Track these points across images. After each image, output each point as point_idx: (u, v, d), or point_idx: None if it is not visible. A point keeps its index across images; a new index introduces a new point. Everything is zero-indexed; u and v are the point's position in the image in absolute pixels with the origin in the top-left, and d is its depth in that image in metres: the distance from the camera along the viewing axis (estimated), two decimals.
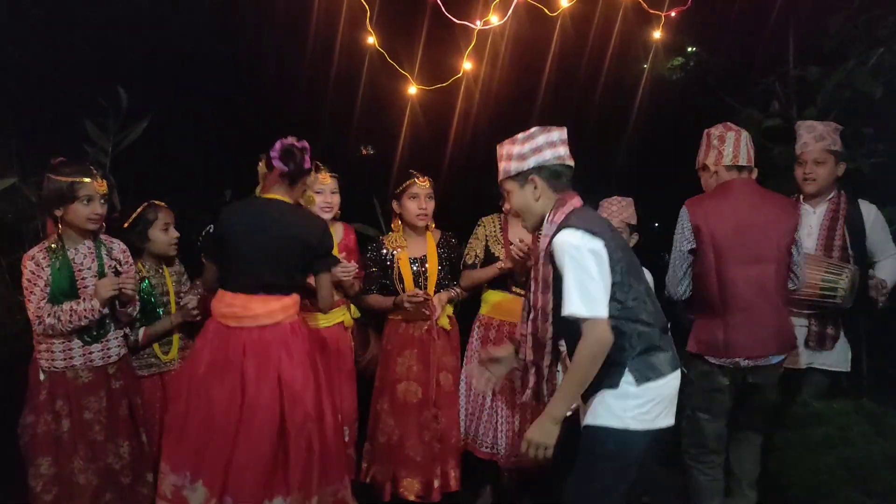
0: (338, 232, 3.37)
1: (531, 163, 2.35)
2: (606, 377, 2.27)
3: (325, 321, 3.28)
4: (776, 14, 4.04)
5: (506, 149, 2.41)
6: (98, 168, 3.62)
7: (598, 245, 2.21)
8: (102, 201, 2.78)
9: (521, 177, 2.38)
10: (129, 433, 2.92)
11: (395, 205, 3.36)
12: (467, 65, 3.54)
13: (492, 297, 3.39)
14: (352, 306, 3.44)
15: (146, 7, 3.81)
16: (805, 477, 2.86)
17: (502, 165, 2.42)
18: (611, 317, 2.21)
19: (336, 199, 3.29)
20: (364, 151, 5.31)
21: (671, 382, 2.33)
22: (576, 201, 2.37)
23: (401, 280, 3.31)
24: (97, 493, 2.82)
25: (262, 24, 3.95)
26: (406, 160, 3.84)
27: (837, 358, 3.27)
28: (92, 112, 3.70)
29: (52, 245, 2.77)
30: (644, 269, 2.53)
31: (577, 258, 2.20)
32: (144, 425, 2.99)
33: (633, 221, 3.36)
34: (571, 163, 2.40)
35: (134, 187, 3.71)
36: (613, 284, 2.23)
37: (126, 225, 3.03)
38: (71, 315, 2.70)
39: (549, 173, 2.36)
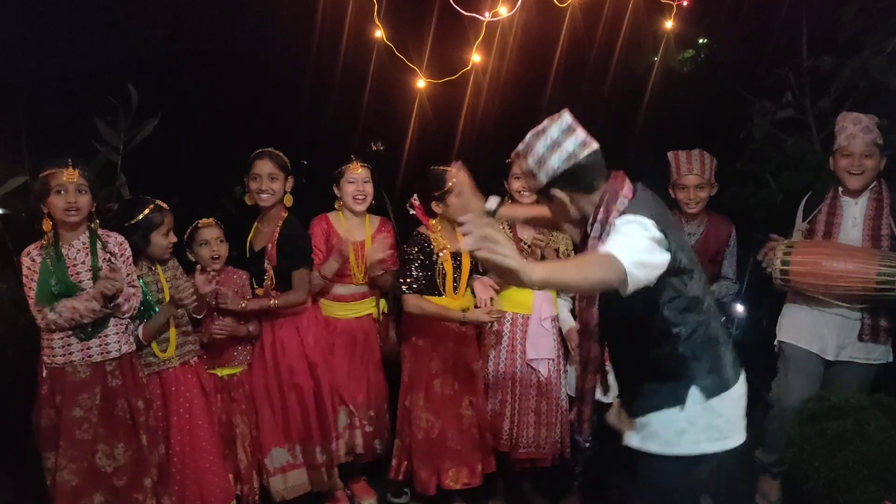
0: (373, 224, 3.43)
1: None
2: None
3: (353, 312, 3.41)
4: (789, 4, 3.99)
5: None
6: (109, 166, 3.67)
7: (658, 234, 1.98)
8: (80, 191, 2.75)
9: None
10: (127, 435, 2.87)
11: (435, 206, 3.18)
12: (476, 57, 3.52)
13: (506, 291, 3.37)
14: (381, 301, 3.47)
15: (154, 5, 3.82)
16: (822, 471, 2.83)
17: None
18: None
19: (369, 188, 3.36)
20: (375, 147, 5.29)
21: None
22: (627, 189, 2.12)
23: (442, 277, 3.23)
24: (79, 493, 2.77)
25: (270, 19, 3.94)
26: (415, 154, 3.83)
27: (883, 349, 3.20)
28: (103, 110, 3.71)
29: (44, 242, 2.78)
30: None
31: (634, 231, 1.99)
32: (146, 429, 2.93)
33: None
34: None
35: (145, 184, 3.72)
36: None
37: (128, 224, 2.99)
38: (73, 312, 2.70)
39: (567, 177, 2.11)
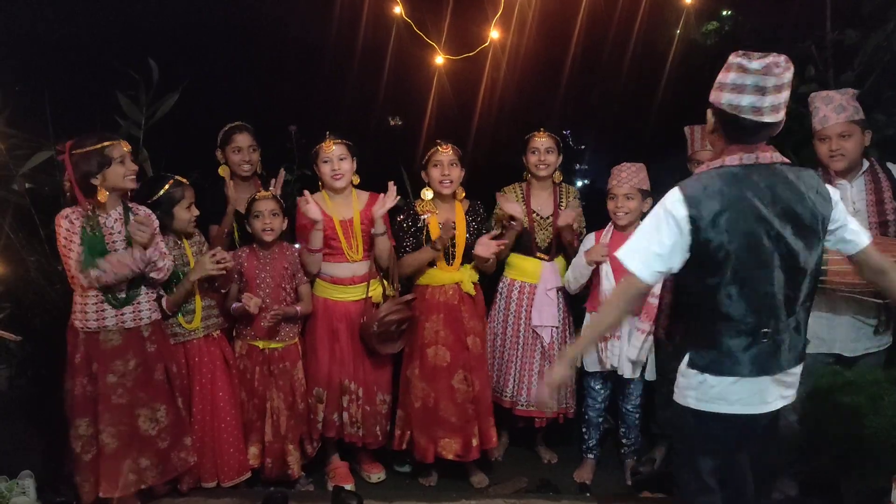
0: (361, 199, 3.37)
1: (711, 96, 2.08)
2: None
3: (352, 295, 3.33)
4: None
5: None
6: (131, 140, 3.72)
7: (683, 213, 2.01)
8: (132, 159, 2.92)
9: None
10: (166, 398, 3.00)
11: (423, 175, 3.37)
12: (494, 33, 3.51)
13: (515, 261, 3.53)
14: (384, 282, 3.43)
15: None
16: (835, 446, 2.84)
17: None
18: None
19: (346, 165, 3.24)
20: (393, 122, 5.31)
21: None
22: (731, 158, 2.05)
23: (427, 235, 3.30)
24: (123, 456, 2.89)
25: None
26: (433, 130, 3.84)
27: (889, 335, 3.09)
28: (124, 85, 3.75)
29: (89, 213, 2.85)
30: None
31: (656, 214, 2.07)
32: (181, 391, 3.07)
33: (646, 186, 3.31)
34: (761, 118, 1.98)
35: (167, 159, 3.77)
36: (689, 263, 2.05)
37: (151, 200, 3.05)
38: (119, 267, 2.79)
39: (724, 118, 2.05)
